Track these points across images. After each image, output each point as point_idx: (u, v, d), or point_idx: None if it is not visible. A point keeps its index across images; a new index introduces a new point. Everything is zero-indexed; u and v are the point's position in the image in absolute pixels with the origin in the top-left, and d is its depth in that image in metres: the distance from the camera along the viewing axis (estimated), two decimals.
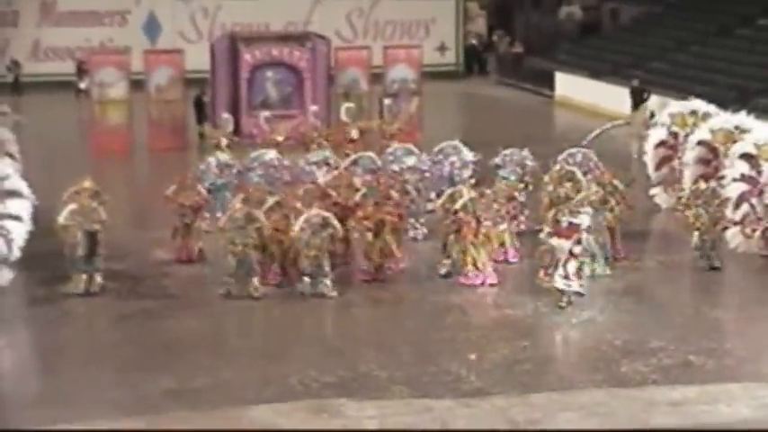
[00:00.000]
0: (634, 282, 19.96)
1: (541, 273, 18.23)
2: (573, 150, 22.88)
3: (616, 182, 20.75)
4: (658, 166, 24.29)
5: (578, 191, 20.63)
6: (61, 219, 19.09)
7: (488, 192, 20.07)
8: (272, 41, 32.51)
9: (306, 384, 15.43)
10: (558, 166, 22.04)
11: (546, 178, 21.78)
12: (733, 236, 21.34)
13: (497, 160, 22.32)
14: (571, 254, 17.97)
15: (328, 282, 18.77)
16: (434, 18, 44.65)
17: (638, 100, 33.33)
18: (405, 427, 14.16)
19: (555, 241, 18.02)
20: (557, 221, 18.47)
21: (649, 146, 24.64)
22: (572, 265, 17.99)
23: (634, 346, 16.75)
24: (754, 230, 21.16)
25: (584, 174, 21.69)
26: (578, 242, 18.09)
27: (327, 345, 17.00)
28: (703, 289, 20.14)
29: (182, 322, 18.10)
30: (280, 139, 25.72)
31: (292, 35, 34.25)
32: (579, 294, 18.05)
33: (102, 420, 14.30)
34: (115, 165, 28.68)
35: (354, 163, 22.89)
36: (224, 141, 25.65)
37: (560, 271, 17.93)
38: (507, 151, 22.40)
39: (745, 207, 21.26)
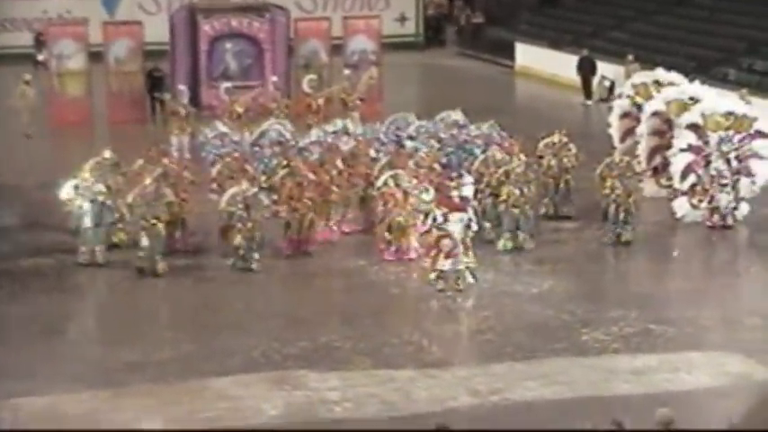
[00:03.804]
0: (594, 252, 20.05)
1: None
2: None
3: (522, 156, 20.65)
4: (623, 138, 24.23)
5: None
6: (63, 194, 19.06)
7: (411, 163, 20.03)
8: (231, 13, 32.27)
9: (268, 356, 15.44)
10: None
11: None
12: (680, 206, 21.43)
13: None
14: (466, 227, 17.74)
15: (256, 255, 18.72)
16: None
17: (585, 70, 33.41)
18: (367, 397, 14.20)
19: (453, 217, 17.68)
20: (447, 197, 18.35)
21: (614, 117, 24.56)
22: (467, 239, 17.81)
23: (594, 315, 16.85)
24: (700, 201, 21.26)
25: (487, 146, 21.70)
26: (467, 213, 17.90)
27: (289, 317, 16.99)
28: (660, 259, 20.27)
29: (143, 296, 18.09)
30: (240, 110, 25.66)
31: (251, 6, 33.94)
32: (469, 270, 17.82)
33: (63, 393, 14.28)
34: (77, 137, 28.42)
35: (262, 135, 22.62)
36: (182, 111, 25.70)
37: (459, 248, 17.65)
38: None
39: (692, 177, 21.32)
